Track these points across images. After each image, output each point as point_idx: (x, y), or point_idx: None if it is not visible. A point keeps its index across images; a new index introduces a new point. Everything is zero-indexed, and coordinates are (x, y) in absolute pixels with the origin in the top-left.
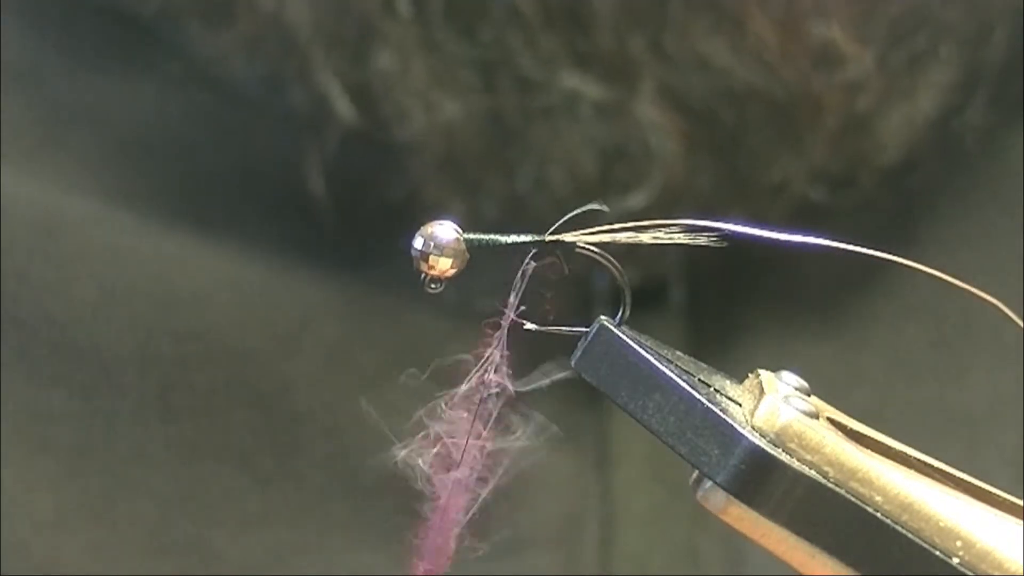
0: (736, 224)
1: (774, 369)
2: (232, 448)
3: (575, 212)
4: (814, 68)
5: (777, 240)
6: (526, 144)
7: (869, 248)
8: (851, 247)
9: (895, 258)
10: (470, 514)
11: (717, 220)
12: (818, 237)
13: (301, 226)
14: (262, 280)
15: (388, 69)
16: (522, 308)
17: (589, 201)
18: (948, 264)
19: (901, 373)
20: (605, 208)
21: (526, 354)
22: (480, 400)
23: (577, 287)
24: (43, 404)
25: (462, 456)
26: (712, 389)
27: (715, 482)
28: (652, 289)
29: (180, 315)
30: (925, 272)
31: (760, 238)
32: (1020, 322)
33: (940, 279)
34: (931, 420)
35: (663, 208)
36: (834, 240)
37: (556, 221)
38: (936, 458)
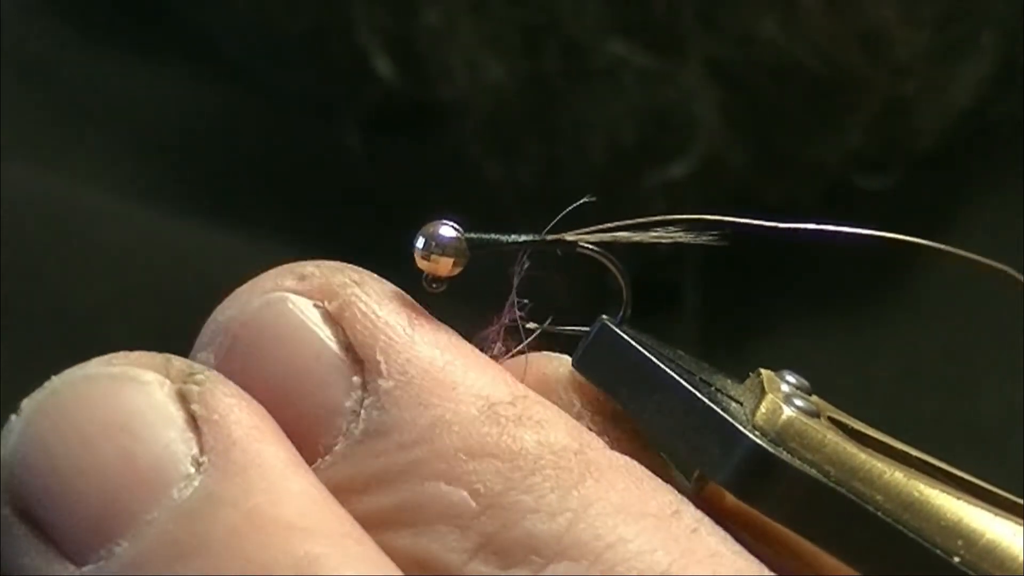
0: (739, 220)
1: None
2: None
3: (571, 207)
4: (862, 48)
5: (780, 230)
6: (568, 109)
7: (890, 233)
8: (855, 231)
9: (904, 238)
10: None
11: (752, 198)
12: (835, 224)
13: (320, 221)
14: None
15: (434, 27)
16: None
17: (627, 169)
18: (979, 251)
19: (914, 381)
20: (593, 199)
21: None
22: None
23: (597, 280)
24: None
25: None
26: (713, 388)
27: (716, 481)
28: (667, 290)
29: (194, 311)
30: (937, 248)
31: (763, 230)
32: None
33: (955, 255)
34: (941, 431)
35: (701, 181)
36: (857, 227)
37: (592, 188)
38: None
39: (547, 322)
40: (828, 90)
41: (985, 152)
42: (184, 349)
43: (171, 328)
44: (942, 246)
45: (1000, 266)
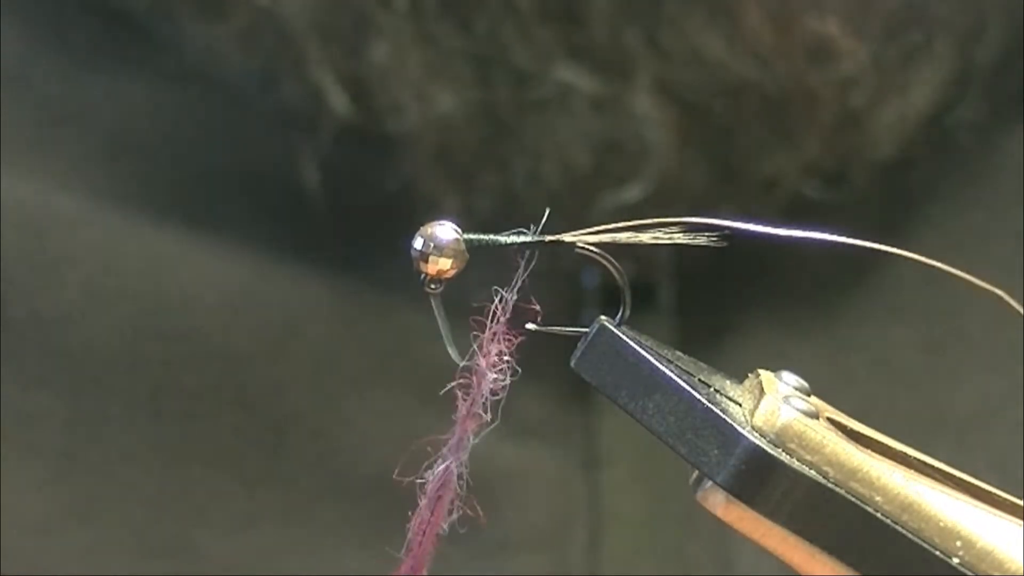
0: (734, 222)
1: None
2: (220, 450)
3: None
4: (808, 63)
5: (778, 236)
6: (520, 137)
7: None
8: (854, 241)
9: (895, 250)
10: (454, 513)
11: (709, 215)
12: (817, 232)
13: (290, 226)
14: (251, 281)
15: (383, 62)
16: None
17: (582, 195)
18: (941, 260)
19: (889, 375)
20: None
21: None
22: (473, 401)
23: (567, 285)
24: (31, 406)
25: (450, 450)
26: (712, 389)
27: (715, 482)
28: (642, 289)
29: (168, 316)
30: (926, 263)
31: (761, 235)
32: (1021, 309)
33: (939, 269)
34: (919, 423)
35: (657, 202)
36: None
37: (549, 214)
38: None
39: (544, 323)
40: (779, 105)
41: (945, 159)
42: (156, 354)
43: (144, 334)
44: (938, 264)
45: (995, 290)
